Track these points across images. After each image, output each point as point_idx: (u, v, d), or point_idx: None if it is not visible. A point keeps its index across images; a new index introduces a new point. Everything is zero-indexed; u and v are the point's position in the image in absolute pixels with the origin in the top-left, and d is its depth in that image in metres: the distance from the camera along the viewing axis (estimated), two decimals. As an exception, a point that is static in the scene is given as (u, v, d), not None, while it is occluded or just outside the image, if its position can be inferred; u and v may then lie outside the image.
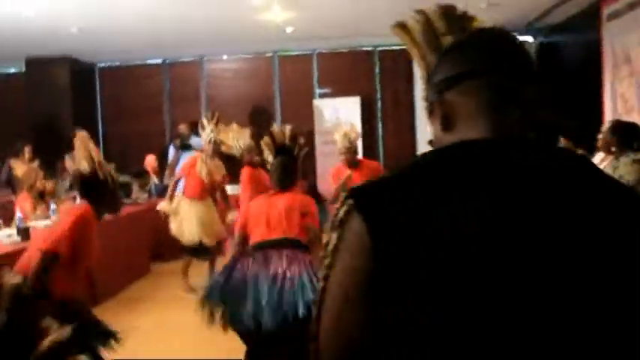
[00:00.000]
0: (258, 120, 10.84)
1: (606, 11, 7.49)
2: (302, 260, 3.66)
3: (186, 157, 7.73)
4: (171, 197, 6.77)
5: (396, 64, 10.62)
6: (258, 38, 9.64)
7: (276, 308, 3.47)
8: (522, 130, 0.96)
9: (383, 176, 0.97)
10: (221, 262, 4.78)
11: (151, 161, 9.46)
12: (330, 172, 6.37)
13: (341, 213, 0.92)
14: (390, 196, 0.90)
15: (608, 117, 7.08)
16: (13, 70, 11.33)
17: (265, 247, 3.78)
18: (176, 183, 6.85)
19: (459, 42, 1.07)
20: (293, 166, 4.18)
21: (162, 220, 6.87)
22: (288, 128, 4.48)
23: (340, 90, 10.86)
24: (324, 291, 0.93)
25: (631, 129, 4.87)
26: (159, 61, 11.48)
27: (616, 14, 7.24)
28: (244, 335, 3.76)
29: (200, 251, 6.56)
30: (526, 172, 0.90)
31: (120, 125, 11.35)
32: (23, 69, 10.80)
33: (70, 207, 3.54)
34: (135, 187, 8.49)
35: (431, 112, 1.06)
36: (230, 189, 7.16)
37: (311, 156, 10.52)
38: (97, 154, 3.64)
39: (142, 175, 8.84)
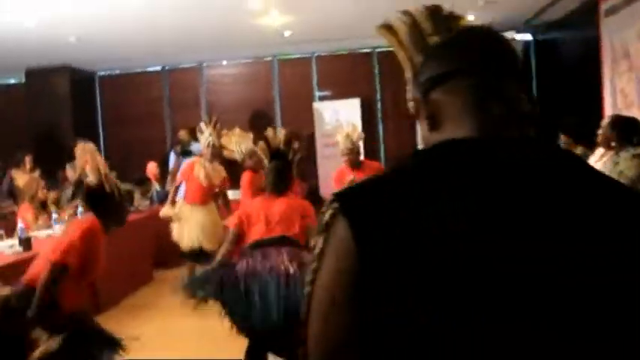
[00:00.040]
0: (259, 124, 10.83)
1: (604, 7, 7.47)
2: (302, 258, 3.66)
3: (186, 163, 7.73)
4: (173, 202, 6.77)
5: (395, 65, 10.49)
6: (256, 43, 9.65)
7: (284, 302, 3.48)
8: (508, 128, 0.95)
9: (369, 179, 0.97)
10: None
11: (152, 168, 9.47)
12: (333, 175, 6.37)
13: (326, 217, 0.92)
14: (375, 199, 0.89)
15: (608, 112, 7.06)
16: (13, 81, 11.37)
17: (264, 244, 3.78)
18: (177, 188, 6.86)
19: (444, 41, 1.07)
20: (287, 170, 4.19)
21: (165, 226, 6.87)
22: (282, 132, 4.49)
23: (340, 92, 10.87)
24: (311, 295, 0.92)
25: (630, 124, 4.86)
26: (158, 68, 11.51)
27: (613, 10, 7.22)
28: (249, 333, 3.75)
29: (200, 256, 6.56)
30: (512, 170, 0.89)
31: (121, 133, 11.37)
32: (23, 80, 10.84)
33: (78, 219, 3.56)
34: (137, 195, 8.49)
35: (417, 113, 1.06)
36: (232, 194, 7.16)
37: (312, 159, 10.54)
38: (104, 167, 3.65)
39: (143, 182, 8.84)
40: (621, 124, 4.87)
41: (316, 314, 0.91)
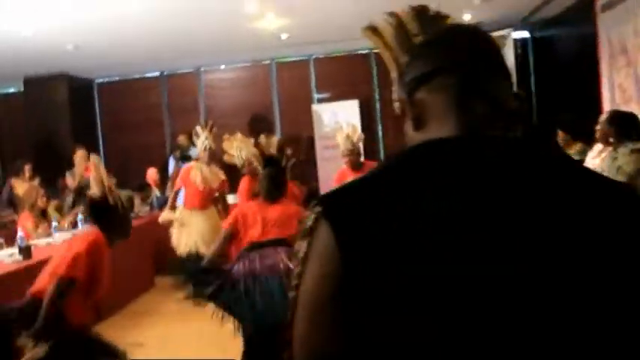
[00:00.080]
0: (258, 128, 10.85)
1: (600, 2, 7.46)
2: None
3: (184, 168, 7.73)
4: (172, 208, 6.77)
5: (394, 65, 10.59)
6: (254, 46, 9.66)
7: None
8: (492, 126, 0.95)
9: (352, 181, 0.97)
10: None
11: (152, 174, 9.47)
12: (334, 177, 6.35)
13: (310, 221, 0.91)
14: (358, 202, 0.89)
15: (607, 108, 7.04)
16: (11, 90, 11.38)
17: (261, 246, 3.78)
18: (176, 194, 6.86)
19: (428, 41, 1.07)
20: (281, 176, 4.20)
21: (165, 232, 6.87)
22: (275, 139, 4.51)
23: (338, 94, 10.87)
24: (296, 300, 0.92)
25: (628, 119, 4.85)
26: (156, 73, 11.51)
27: (610, 5, 7.21)
28: (253, 333, 3.74)
29: (198, 262, 6.54)
30: (494, 169, 0.89)
31: (120, 139, 11.38)
32: (22, 88, 10.85)
33: (83, 233, 3.57)
34: (137, 201, 8.49)
35: (403, 113, 1.05)
36: (231, 199, 7.15)
37: (312, 161, 10.55)
38: (108, 180, 3.66)
39: (143, 188, 8.84)
40: (619, 119, 4.86)
41: (301, 318, 0.91)
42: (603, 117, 4.98)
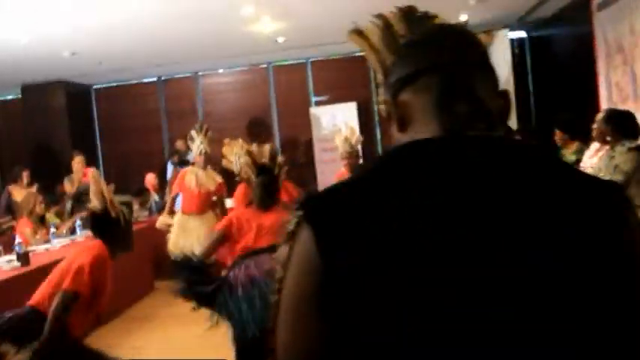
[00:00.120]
0: (256, 132, 10.86)
1: (596, 1, 7.47)
2: None
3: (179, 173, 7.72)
4: (170, 212, 6.76)
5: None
6: (251, 50, 9.66)
7: None
8: (473, 126, 0.94)
9: (335, 184, 0.96)
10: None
11: (150, 179, 9.48)
12: (333, 180, 6.34)
13: (291, 225, 0.91)
14: (340, 205, 0.89)
15: (604, 107, 7.04)
16: (9, 97, 11.39)
17: (255, 253, 3.78)
18: (173, 199, 6.85)
19: (412, 41, 1.07)
20: (274, 185, 4.20)
21: (164, 236, 6.86)
22: (267, 148, 4.51)
23: (336, 96, 10.86)
24: (278, 304, 0.92)
25: (625, 117, 4.85)
26: (154, 79, 11.51)
27: (605, 3, 7.22)
28: (250, 337, 3.73)
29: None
30: (474, 169, 0.88)
31: (118, 145, 11.38)
32: (20, 95, 10.87)
33: (85, 245, 3.57)
34: (135, 206, 8.49)
35: (389, 115, 1.05)
36: (229, 203, 7.14)
37: (310, 164, 10.55)
38: (109, 193, 3.66)
39: (142, 193, 8.84)
40: (616, 118, 4.87)
41: (283, 323, 0.91)
42: (600, 116, 4.98)
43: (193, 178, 6.54)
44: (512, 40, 9.68)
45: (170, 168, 9.54)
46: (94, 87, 11.57)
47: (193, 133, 6.68)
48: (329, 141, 8.91)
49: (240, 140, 6.74)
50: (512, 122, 8.64)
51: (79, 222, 6.92)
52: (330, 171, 8.10)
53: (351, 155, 6.09)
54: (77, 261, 3.40)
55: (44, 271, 4.96)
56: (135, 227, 7.65)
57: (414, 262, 0.83)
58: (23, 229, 6.43)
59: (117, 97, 11.53)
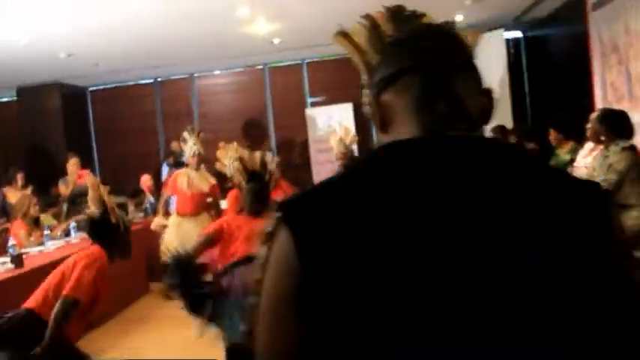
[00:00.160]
0: (252, 133, 10.87)
1: (591, 1, 7.48)
2: None
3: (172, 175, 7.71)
4: (164, 214, 6.75)
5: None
6: (246, 52, 9.66)
7: None
8: (452, 126, 0.94)
9: (314, 185, 0.96)
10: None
11: (146, 181, 9.47)
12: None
13: (270, 226, 0.90)
14: (318, 206, 0.89)
15: (600, 107, 7.04)
16: (5, 99, 11.38)
17: (246, 261, 3.77)
18: (166, 201, 6.85)
19: (395, 41, 1.06)
20: (264, 191, 4.20)
21: (159, 238, 6.85)
22: (257, 155, 4.51)
23: (332, 97, 10.86)
24: (257, 306, 0.92)
25: (619, 117, 4.85)
26: (150, 80, 11.50)
27: (600, 3, 7.22)
28: (239, 350, 3.73)
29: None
30: (453, 169, 0.88)
31: (114, 146, 11.37)
32: (15, 97, 10.86)
33: (85, 251, 3.56)
34: (130, 207, 8.47)
35: (372, 115, 1.04)
36: (224, 204, 7.13)
37: (306, 165, 10.55)
38: (109, 199, 3.66)
39: (137, 194, 8.83)
40: (610, 117, 4.86)
41: (262, 324, 0.91)
42: (594, 115, 4.98)
43: (185, 180, 6.54)
44: (507, 40, 9.68)
45: (165, 169, 9.53)
46: (90, 89, 11.57)
47: (186, 134, 6.68)
48: (325, 142, 8.91)
49: (235, 144, 6.73)
50: (508, 122, 8.65)
51: (73, 224, 6.90)
52: (326, 172, 8.09)
53: (346, 156, 6.11)
54: (78, 267, 3.41)
55: (38, 273, 4.96)
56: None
57: (393, 262, 0.82)
58: (17, 231, 6.42)
59: (113, 98, 11.53)
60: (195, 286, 3.73)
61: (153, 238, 7.04)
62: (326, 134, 9.12)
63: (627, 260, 0.91)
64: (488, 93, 1.01)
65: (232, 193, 6.31)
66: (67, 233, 6.99)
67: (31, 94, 10.48)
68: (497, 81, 9.11)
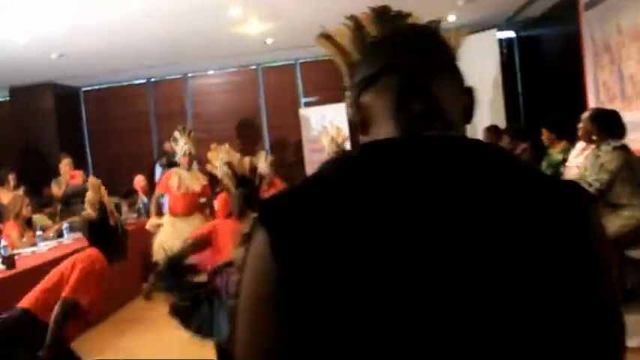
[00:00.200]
0: (246, 133, 10.86)
1: (583, 1, 7.49)
2: None
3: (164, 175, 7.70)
4: (157, 213, 6.75)
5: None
6: (240, 52, 9.66)
7: None
8: (428, 126, 0.93)
9: (292, 186, 0.96)
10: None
11: (139, 181, 9.45)
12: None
13: (248, 227, 0.91)
14: (294, 208, 0.89)
15: (593, 106, 7.06)
16: (-1, 100, 11.36)
17: None
18: (157, 200, 6.85)
19: (376, 42, 1.06)
20: (254, 196, 4.20)
21: (153, 238, 6.84)
22: (247, 160, 4.51)
23: (326, 97, 10.85)
24: (236, 307, 0.92)
25: (610, 116, 4.87)
26: (143, 80, 11.49)
27: (593, 3, 7.24)
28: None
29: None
30: (427, 169, 0.88)
31: (107, 147, 11.35)
32: (7, 97, 10.83)
33: (85, 253, 3.56)
34: (124, 208, 8.45)
35: (353, 116, 1.05)
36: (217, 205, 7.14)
37: (300, 165, 10.54)
38: (109, 202, 3.66)
39: (130, 194, 8.80)
40: (601, 117, 4.88)
41: (242, 324, 0.91)
42: (585, 115, 5.00)
43: (176, 180, 6.54)
44: (500, 40, 9.70)
45: (159, 170, 9.52)
46: (83, 89, 11.54)
47: (177, 134, 6.67)
48: (318, 142, 8.90)
49: (227, 145, 6.73)
50: (501, 122, 8.66)
51: (66, 225, 6.88)
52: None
53: (338, 155, 6.10)
54: (77, 268, 3.41)
55: (30, 274, 4.94)
56: (123, 229, 7.65)
57: (369, 262, 0.82)
58: (10, 232, 6.39)
59: (106, 99, 11.51)
60: (185, 289, 3.72)
61: (147, 238, 7.02)
62: (320, 134, 9.13)
63: (607, 262, 0.91)
64: (469, 92, 1.02)
65: (222, 197, 6.31)
66: (59, 234, 6.97)
67: (24, 95, 10.45)
68: (490, 81, 9.13)
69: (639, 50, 6.24)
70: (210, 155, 6.52)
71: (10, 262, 5.26)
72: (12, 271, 5.17)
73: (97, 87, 11.54)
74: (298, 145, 10.77)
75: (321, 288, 0.82)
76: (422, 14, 1.19)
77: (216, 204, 6.41)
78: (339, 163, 0.94)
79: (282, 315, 0.85)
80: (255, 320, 0.89)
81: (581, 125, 4.97)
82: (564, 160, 5.82)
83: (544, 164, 6.32)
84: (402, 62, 0.97)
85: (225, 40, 8.71)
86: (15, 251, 5.77)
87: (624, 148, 4.66)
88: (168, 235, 6.54)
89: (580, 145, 5.48)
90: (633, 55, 6.37)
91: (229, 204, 6.15)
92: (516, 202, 0.87)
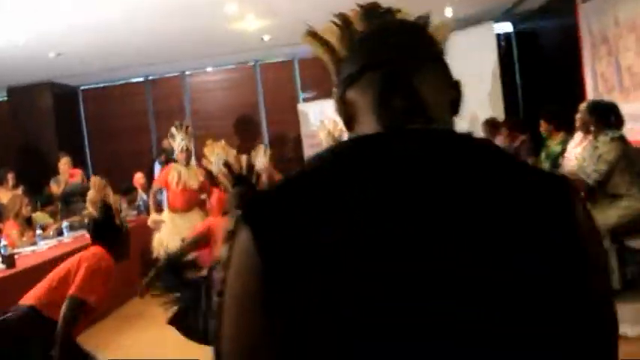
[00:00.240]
0: (245, 129, 10.85)
1: (580, -7, 7.50)
2: None
3: (162, 170, 7.70)
4: (156, 210, 6.75)
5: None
6: (237, 49, 9.65)
7: None
8: (411, 121, 0.93)
9: (275, 183, 0.96)
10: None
11: (139, 179, 9.45)
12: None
13: (231, 225, 0.90)
14: (277, 204, 0.88)
15: (591, 98, 7.06)
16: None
17: None
18: (155, 195, 6.85)
19: (361, 38, 1.06)
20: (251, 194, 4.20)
21: (153, 234, 6.84)
22: (244, 158, 4.50)
23: (324, 92, 10.82)
24: (221, 305, 0.91)
25: (608, 108, 4.88)
26: (141, 79, 11.49)
27: (590, -5, 7.24)
28: None
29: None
30: (410, 164, 0.87)
31: (106, 145, 11.36)
32: (6, 97, 10.83)
33: (90, 251, 3.57)
34: (124, 205, 8.46)
35: (339, 113, 1.05)
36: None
37: (299, 161, 10.54)
38: (115, 201, 3.67)
39: (130, 191, 8.81)
40: (599, 108, 4.89)
41: (227, 322, 0.90)
42: (583, 106, 5.01)
43: (176, 175, 6.54)
44: (498, 34, 9.68)
45: (158, 167, 9.51)
46: (81, 88, 11.54)
47: (174, 130, 6.67)
48: (317, 137, 8.91)
49: (223, 142, 6.72)
50: (500, 114, 8.66)
51: (66, 224, 6.89)
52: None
53: (335, 149, 6.10)
54: (83, 266, 3.42)
55: (30, 273, 4.95)
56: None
57: (361, 255, 0.82)
58: (10, 231, 6.40)
59: (104, 97, 11.52)
60: (184, 288, 3.72)
61: (146, 235, 7.02)
62: (318, 129, 9.14)
63: (597, 258, 0.91)
64: (456, 86, 1.02)
65: (216, 195, 6.30)
66: (59, 233, 6.98)
67: (22, 94, 10.44)
68: (489, 74, 9.12)
69: (637, 41, 6.24)
70: (206, 150, 6.51)
71: (10, 261, 5.26)
72: (12, 271, 5.17)
73: (95, 86, 11.54)
74: (297, 141, 10.78)
75: (311, 282, 0.82)
76: (418, 8, 1.18)
77: (211, 201, 6.39)
78: (322, 159, 0.93)
79: (269, 310, 0.84)
80: (241, 315, 0.88)
81: (578, 116, 4.98)
82: (563, 152, 5.82)
83: (543, 156, 6.33)
84: (386, 58, 0.97)
85: (223, 37, 8.70)
86: (15, 250, 5.78)
87: (622, 139, 4.66)
88: (168, 231, 6.55)
89: (578, 136, 5.48)
90: (631, 47, 6.37)
91: (225, 202, 6.17)
92: (506, 195, 0.86)
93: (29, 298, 3.45)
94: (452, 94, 1.00)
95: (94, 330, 5.94)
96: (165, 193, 6.86)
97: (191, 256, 4.09)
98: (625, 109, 5.00)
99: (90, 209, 3.65)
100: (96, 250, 3.57)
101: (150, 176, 9.62)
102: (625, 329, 3.67)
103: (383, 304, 0.81)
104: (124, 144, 11.22)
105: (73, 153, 9.57)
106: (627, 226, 4.51)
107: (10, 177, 8.25)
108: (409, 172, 0.86)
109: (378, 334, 0.81)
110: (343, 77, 1.02)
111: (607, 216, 4.50)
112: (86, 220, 5.14)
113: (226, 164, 4.40)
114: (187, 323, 3.74)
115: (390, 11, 1.15)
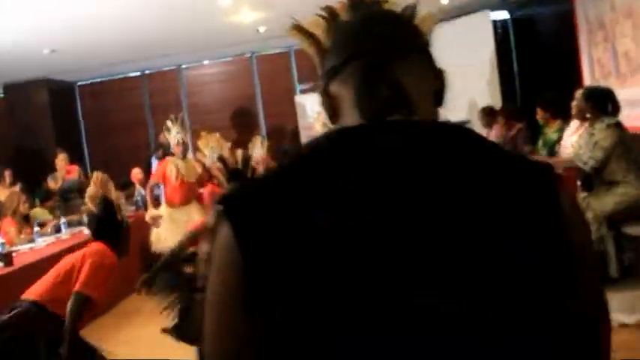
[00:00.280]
0: (242, 122, 10.85)
1: (576, -22, 7.47)
2: None
3: (159, 164, 7.69)
4: (154, 205, 6.74)
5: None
6: (233, 41, 9.63)
7: None
8: (392, 112, 0.92)
9: (257, 177, 0.95)
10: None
11: (137, 173, 9.45)
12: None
13: (212, 220, 0.90)
14: (258, 199, 0.88)
15: (588, 84, 7.06)
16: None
17: None
18: (152, 189, 6.84)
19: (346, 29, 1.04)
20: None
21: (151, 229, 6.84)
22: (240, 153, 4.48)
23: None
24: (204, 302, 0.91)
25: (604, 94, 4.86)
26: (137, 73, 11.47)
27: (586, -19, 7.22)
28: None
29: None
30: (392, 155, 0.86)
31: (104, 140, 11.37)
32: (1, 94, 10.83)
33: (93, 247, 3.58)
34: (121, 200, 8.45)
35: (323, 106, 1.03)
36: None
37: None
38: (117, 197, 3.67)
39: (127, 186, 8.80)
40: (595, 95, 4.87)
41: (209, 318, 0.89)
42: (579, 93, 4.99)
43: (174, 169, 6.53)
44: (494, 21, 9.65)
45: (155, 162, 9.51)
46: (78, 83, 11.52)
47: (169, 123, 6.66)
48: (315, 129, 8.90)
49: (217, 135, 6.71)
50: (497, 102, 8.64)
51: (63, 220, 6.89)
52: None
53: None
54: (87, 262, 3.42)
55: (28, 270, 4.95)
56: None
57: (347, 247, 0.81)
58: (7, 228, 6.40)
59: (101, 92, 11.51)
60: (181, 285, 3.72)
61: (145, 230, 7.02)
62: (315, 120, 9.13)
63: (582, 248, 0.90)
64: (440, 76, 1.00)
65: (209, 189, 6.30)
66: (57, 229, 6.98)
67: (18, 91, 10.44)
68: (486, 62, 9.10)
69: (633, 27, 6.22)
70: (200, 143, 6.50)
71: (7, 259, 5.26)
72: (9, 269, 5.16)
73: (91, 81, 11.53)
74: (295, 133, 10.76)
75: (292, 276, 0.81)
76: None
77: (204, 195, 6.39)
78: (305, 152, 0.92)
79: (250, 306, 0.84)
80: (222, 312, 0.88)
81: (574, 103, 4.96)
82: (559, 139, 5.81)
83: (540, 143, 6.32)
84: (369, 48, 0.96)
85: (218, 30, 8.68)
86: (13, 248, 5.78)
87: (618, 126, 4.64)
88: (166, 226, 6.54)
89: (574, 123, 5.46)
90: (627, 33, 6.34)
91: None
92: (491, 185, 0.85)
93: (31, 294, 3.46)
94: (436, 84, 0.99)
95: (94, 325, 5.95)
96: (162, 188, 6.84)
97: (190, 250, 4.08)
98: (621, 94, 4.99)
99: (89, 205, 3.65)
100: (99, 246, 3.58)
101: (147, 171, 9.62)
102: (622, 317, 3.66)
103: (367, 295, 0.80)
104: (121, 139, 11.22)
105: (70, 149, 9.57)
106: (624, 213, 4.50)
107: (8, 174, 8.25)
108: (390, 164, 0.85)
109: (363, 325, 0.80)
110: (327, 69, 1.01)
111: (604, 203, 4.50)
112: (84, 216, 5.15)
113: (221, 159, 4.39)
114: (185, 328, 3.74)
115: (377, 2, 1.14)
